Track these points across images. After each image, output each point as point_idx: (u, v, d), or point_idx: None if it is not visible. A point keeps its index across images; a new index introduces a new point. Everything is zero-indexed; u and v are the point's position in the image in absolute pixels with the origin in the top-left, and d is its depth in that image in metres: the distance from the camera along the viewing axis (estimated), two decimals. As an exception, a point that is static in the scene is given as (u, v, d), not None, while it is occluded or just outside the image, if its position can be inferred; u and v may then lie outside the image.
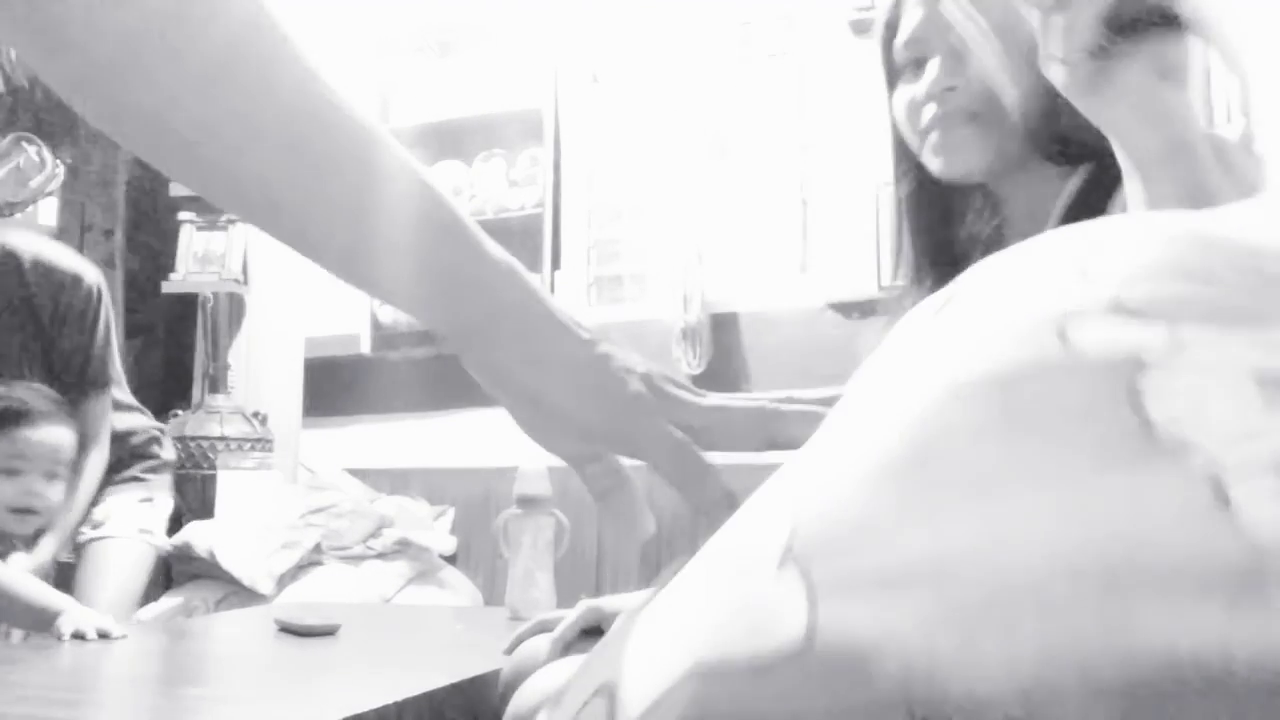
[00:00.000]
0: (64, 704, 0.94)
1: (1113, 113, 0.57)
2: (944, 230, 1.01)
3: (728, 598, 0.23)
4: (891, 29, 0.96)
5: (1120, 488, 0.20)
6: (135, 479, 1.93)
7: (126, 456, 1.92)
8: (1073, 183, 0.89)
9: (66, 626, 1.30)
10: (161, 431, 2.05)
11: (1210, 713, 0.18)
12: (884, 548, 0.21)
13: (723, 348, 3.16)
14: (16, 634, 1.70)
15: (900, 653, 0.19)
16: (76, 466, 1.66)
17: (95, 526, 1.84)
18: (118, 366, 1.83)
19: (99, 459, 1.72)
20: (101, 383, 1.74)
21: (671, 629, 0.24)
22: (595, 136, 3.50)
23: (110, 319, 1.75)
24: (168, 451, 2.04)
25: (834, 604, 0.21)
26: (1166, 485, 0.20)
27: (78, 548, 1.83)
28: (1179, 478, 0.20)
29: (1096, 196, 0.85)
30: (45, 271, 1.65)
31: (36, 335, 1.65)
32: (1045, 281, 0.25)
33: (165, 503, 2.01)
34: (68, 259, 1.73)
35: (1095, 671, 0.18)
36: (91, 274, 1.73)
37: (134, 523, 1.89)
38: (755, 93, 3.19)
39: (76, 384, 1.68)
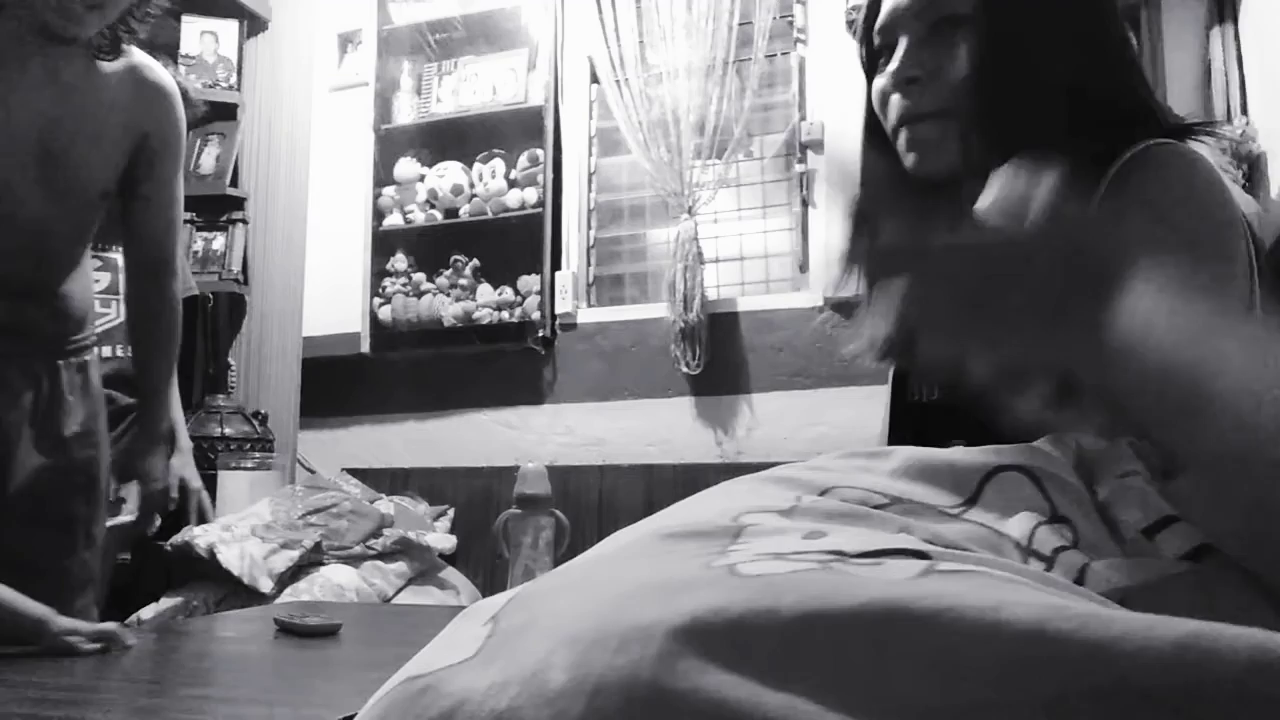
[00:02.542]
0: (64, 704, 0.93)
1: None
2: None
3: (446, 637, 0.38)
4: (873, 12, 0.92)
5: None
6: None
7: None
8: (1050, 179, 0.88)
9: (52, 635, 1.13)
10: None
11: None
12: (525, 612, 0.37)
13: (722, 347, 3.16)
14: None
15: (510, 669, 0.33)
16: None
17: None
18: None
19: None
20: None
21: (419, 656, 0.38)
22: (595, 136, 3.50)
23: None
24: None
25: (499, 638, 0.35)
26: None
27: None
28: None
29: (1082, 186, 0.85)
30: None
31: None
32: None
33: None
34: None
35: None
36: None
37: None
38: (755, 93, 3.19)
39: None
